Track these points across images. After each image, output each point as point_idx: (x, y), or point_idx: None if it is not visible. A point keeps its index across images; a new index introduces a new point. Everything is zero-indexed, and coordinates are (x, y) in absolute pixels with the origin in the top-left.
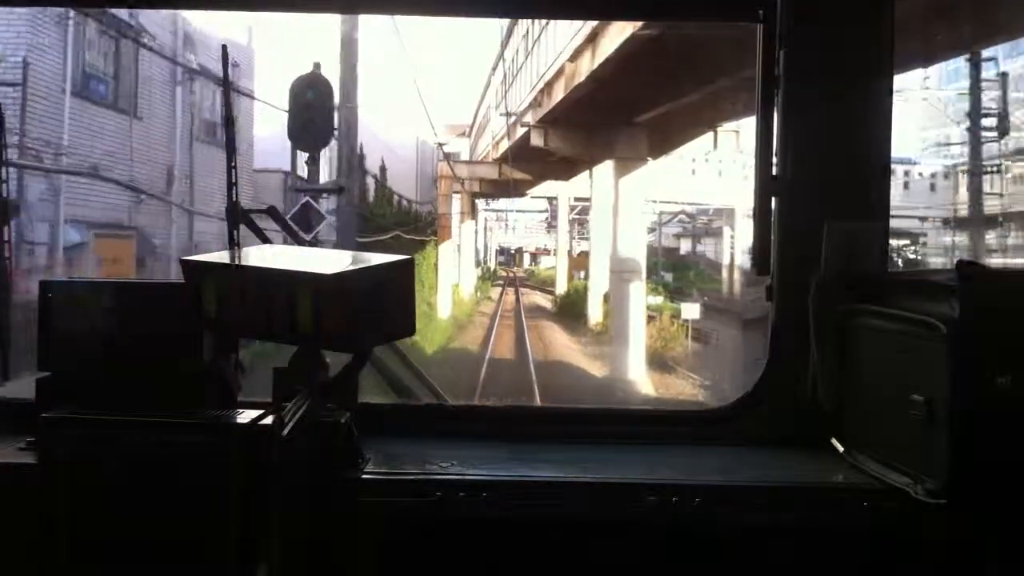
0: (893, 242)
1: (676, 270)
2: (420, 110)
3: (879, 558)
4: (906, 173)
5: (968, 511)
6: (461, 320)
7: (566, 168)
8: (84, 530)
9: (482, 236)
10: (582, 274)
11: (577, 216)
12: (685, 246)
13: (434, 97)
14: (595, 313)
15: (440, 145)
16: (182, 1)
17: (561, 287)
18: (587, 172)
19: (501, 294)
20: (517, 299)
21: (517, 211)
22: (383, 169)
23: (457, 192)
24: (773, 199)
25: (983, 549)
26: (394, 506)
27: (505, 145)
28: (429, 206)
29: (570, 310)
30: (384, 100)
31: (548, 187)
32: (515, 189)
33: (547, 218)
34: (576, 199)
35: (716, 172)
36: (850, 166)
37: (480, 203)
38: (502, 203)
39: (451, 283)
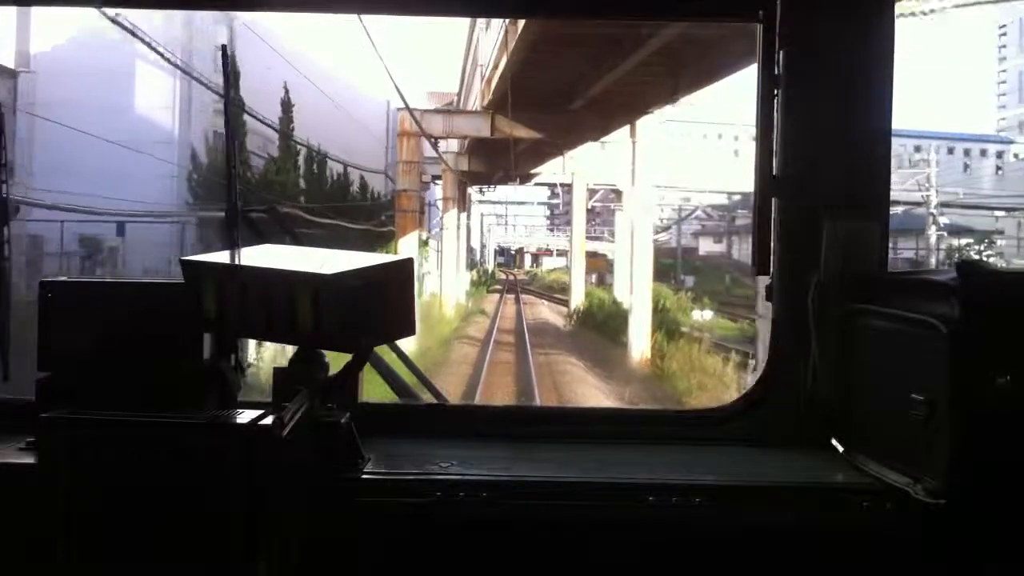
0: (952, 240)
1: (699, 273)
2: (396, 72)
3: (879, 558)
4: (999, 155)
5: (968, 511)
6: (434, 354)
7: (599, 115)
8: (84, 530)
9: (478, 233)
10: (593, 278)
11: (598, 203)
12: (705, 246)
13: (416, 63)
14: (639, 341)
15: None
16: (182, 1)
17: (577, 297)
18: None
19: (498, 305)
20: (519, 313)
21: (518, 203)
22: (287, 105)
23: (438, 178)
24: (773, 198)
25: (983, 549)
26: (394, 506)
27: (502, 68)
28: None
29: (596, 332)
30: (352, 69)
31: (558, 171)
32: (516, 166)
33: (554, 211)
34: (595, 185)
35: (732, 152)
36: (850, 166)
37: (476, 195)
38: (500, 193)
39: (429, 292)
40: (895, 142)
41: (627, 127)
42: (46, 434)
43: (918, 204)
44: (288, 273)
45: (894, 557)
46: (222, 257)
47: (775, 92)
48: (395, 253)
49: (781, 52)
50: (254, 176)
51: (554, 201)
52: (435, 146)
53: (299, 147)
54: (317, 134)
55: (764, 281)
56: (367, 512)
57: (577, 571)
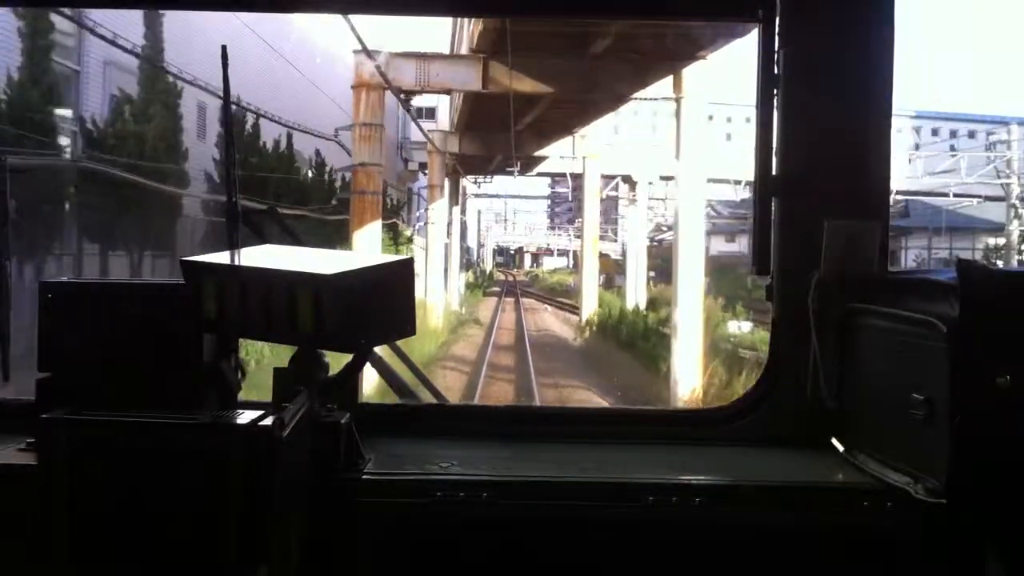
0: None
1: (710, 274)
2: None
3: (879, 558)
4: None
5: (968, 510)
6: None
7: (630, 61)
8: (84, 531)
9: (475, 231)
10: (600, 280)
11: (611, 194)
12: (716, 245)
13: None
14: (687, 369)
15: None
16: (183, 1)
17: (589, 304)
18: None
19: (496, 311)
20: (519, 322)
21: (517, 197)
22: (153, 24)
23: (424, 165)
24: (773, 198)
25: (983, 548)
26: (394, 506)
27: None
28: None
29: (620, 352)
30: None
31: (566, 154)
32: (517, 147)
33: (554, 208)
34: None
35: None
36: (850, 166)
37: (471, 187)
38: (499, 187)
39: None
40: (956, 126)
41: (657, 81)
42: (46, 435)
43: (999, 198)
44: (288, 273)
45: (894, 557)
46: (222, 257)
47: (775, 92)
48: (350, 249)
49: (781, 52)
50: (92, 125)
51: (562, 190)
52: (405, 104)
53: (181, 85)
54: (277, 104)
55: None
56: (367, 512)
57: (577, 571)
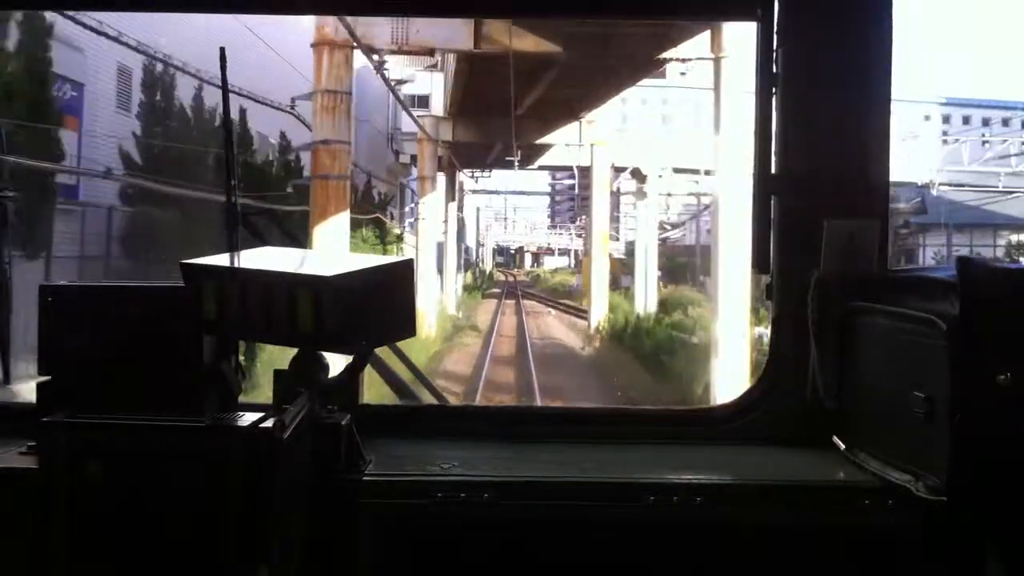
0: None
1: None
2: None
3: (880, 556)
4: None
5: (969, 508)
6: None
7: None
8: (85, 533)
9: (474, 230)
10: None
11: (617, 185)
12: None
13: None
14: (731, 393)
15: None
16: (180, 3)
17: (599, 308)
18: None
19: (495, 316)
20: (521, 328)
21: (518, 193)
22: None
23: (417, 158)
24: (772, 197)
25: (984, 546)
26: (395, 507)
27: None
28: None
29: (639, 366)
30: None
31: (572, 141)
32: (518, 135)
33: (554, 206)
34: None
35: None
36: (849, 164)
37: (468, 182)
38: (497, 181)
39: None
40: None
41: (692, 38)
42: (47, 438)
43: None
44: (288, 275)
45: (895, 555)
46: (222, 259)
47: (774, 91)
48: (310, 247)
49: (779, 50)
50: None
51: (568, 181)
52: (378, 67)
53: (51, 20)
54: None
55: None
56: (368, 513)
57: (578, 571)
